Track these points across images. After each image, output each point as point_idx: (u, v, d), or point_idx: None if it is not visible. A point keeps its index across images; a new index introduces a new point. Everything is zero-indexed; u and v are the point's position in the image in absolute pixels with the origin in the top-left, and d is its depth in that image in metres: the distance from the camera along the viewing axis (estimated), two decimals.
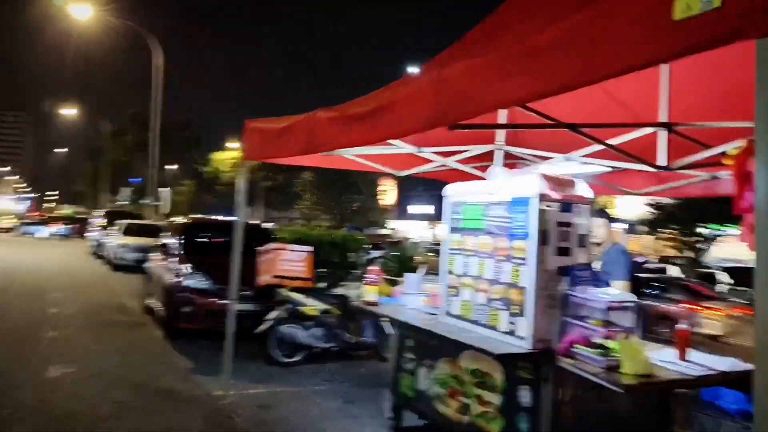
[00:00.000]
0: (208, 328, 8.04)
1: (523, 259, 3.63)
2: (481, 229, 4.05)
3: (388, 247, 10.61)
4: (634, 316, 3.41)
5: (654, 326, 8.95)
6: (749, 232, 3.31)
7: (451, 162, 5.50)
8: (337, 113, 4.04)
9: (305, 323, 7.48)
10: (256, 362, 7.33)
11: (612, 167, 4.89)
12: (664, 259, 29.79)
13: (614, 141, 4.18)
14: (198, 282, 8.38)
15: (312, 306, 7.56)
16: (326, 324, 7.56)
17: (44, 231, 41.02)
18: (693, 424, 3.99)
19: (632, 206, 25.66)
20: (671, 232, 24.16)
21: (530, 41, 2.47)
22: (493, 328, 3.84)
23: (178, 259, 8.99)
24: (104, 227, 24.02)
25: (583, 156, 4.81)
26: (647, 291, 11.81)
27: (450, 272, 4.34)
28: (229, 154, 54.79)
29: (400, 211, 56.81)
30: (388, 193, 50.13)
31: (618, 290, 4.52)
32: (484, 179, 5.24)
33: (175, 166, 56.56)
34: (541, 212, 3.58)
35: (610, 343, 3.25)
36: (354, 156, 5.73)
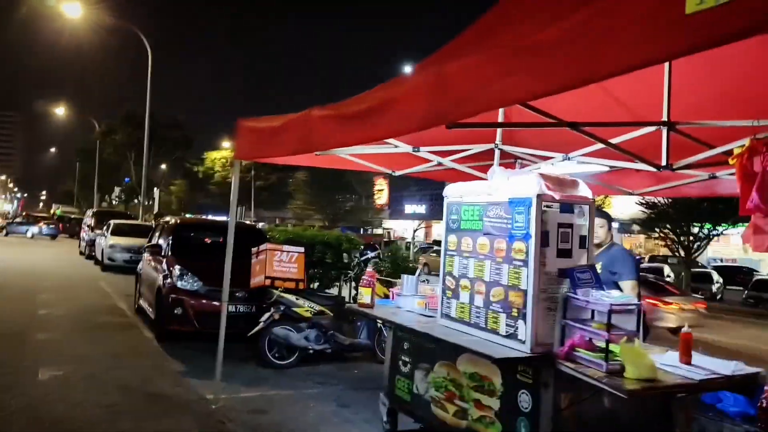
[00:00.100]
0: (199, 330, 7.99)
1: (522, 260, 3.56)
2: (480, 230, 3.97)
3: (382, 248, 10.51)
4: (637, 319, 3.34)
5: None
6: (754, 233, 3.26)
7: (448, 162, 5.42)
8: (333, 111, 3.96)
9: (298, 325, 7.39)
10: (248, 364, 7.25)
11: (612, 167, 4.84)
12: (653, 258, 29.89)
13: (614, 140, 4.11)
14: (189, 283, 8.28)
15: (305, 307, 7.48)
16: (320, 325, 7.47)
17: (30, 230, 40.63)
18: (694, 428, 3.94)
19: (625, 206, 25.73)
20: (664, 231, 24.21)
21: (534, 37, 2.39)
22: (492, 331, 3.76)
23: (169, 260, 8.87)
24: (93, 227, 23.84)
25: (583, 155, 4.75)
26: None
27: (448, 274, 4.26)
28: (221, 154, 54.63)
29: (392, 210, 56.80)
30: (384, 193, 50.19)
31: (629, 290, 4.55)
32: (481, 179, 5.17)
33: (164, 166, 56.31)
34: (542, 213, 3.50)
35: (612, 347, 3.18)
36: (349, 155, 5.65)
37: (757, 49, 3.10)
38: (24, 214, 57.87)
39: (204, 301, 8.10)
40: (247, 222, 29.43)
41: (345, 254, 10.10)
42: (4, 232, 42.02)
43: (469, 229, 4.08)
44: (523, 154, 5.47)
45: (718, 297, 25.49)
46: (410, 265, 11.21)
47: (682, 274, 23.54)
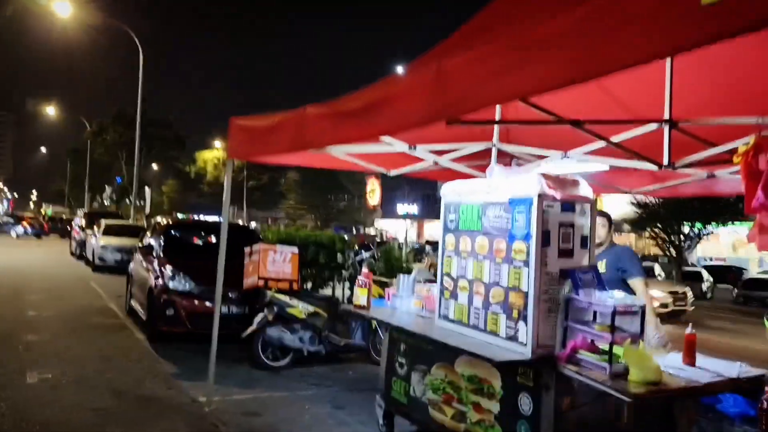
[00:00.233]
0: (192, 331, 7.89)
1: (523, 261, 3.48)
2: (479, 229, 3.89)
3: (375, 248, 10.43)
4: (641, 321, 3.27)
5: None
6: (760, 232, 3.19)
7: (444, 161, 5.34)
8: (329, 109, 3.87)
9: (292, 326, 7.30)
10: (241, 366, 7.15)
11: (612, 165, 4.77)
12: (644, 258, 30.00)
13: (615, 138, 4.05)
14: (182, 284, 8.18)
15: (299, 308, 7.38)
16: (314, 326, 7.38)
17: (14, 230, 40.31)
18: (695, 430, 3.88)
19: (616, 205, 25.77)
20: (654, 230, 24.29)
21: (540, 29, 2.32)
22: (492, 333, 3.68)
23: (161, 260, 8.76)
24: (84, 227, 23.68)
25: (582, 154, 4.68)
26: None
27: (446, 274, 4.18)
28: (213, 154, 54.47)
29: (384, 211, 56.73)
30: (376, 193, 50.18)
31: (642, 289, 4.57)
32: (477, 178, 5.10)
33: (155, 167, 56.06)
34: (543, 212, 3.43)
35: (616, 349, 3.11)
36: (344, 155, 5.56)
37: (761, 45, 3.04)
38: (11, 213, 57.45)
39: (196, 301, 8.00)
40: (240, 222, 29.32)
41: (339, 254, 10.01)
42: None
43: (468, 229, 4.01)
44: (520, 153, 5.39)
45: (708, 296, 25.58)
46: (404, 265, 11.13)
47: (673, 272, 23.61)
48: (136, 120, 27.19)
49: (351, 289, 9.40)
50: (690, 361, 3.37)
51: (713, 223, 22.81)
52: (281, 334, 7.23)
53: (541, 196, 3.44)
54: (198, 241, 10.52)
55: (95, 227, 20.60)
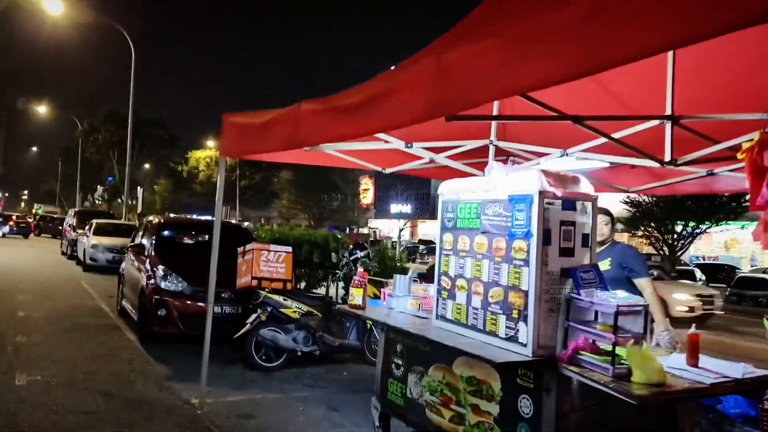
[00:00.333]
0: (184, 331, 7.81)
1: (523, 260, 3.41)
2: (478, 228, 3.81)
3: (369, 247, 10.34)
4: (644, 321, 3.20)
5: None
6: (765, 230, 3.13)
7: (441, 158, 5.26)
8: (324, 105, 3.79)
9: (286, 326, 7.22)
10: (235, 367, 7.07)
11: (612, 162, 4.71)
12: None
13: (616, 135, 3.99)
14: (174, 284, 8.08)
15: (293, 308, 7.30)
16: (308, 326, 7.30)
17: (4, 229, 39.93)
18: (697, 431, 3.83)
19: (609, 204, 25.78)
20: (648, 229, 24.31)
21: (545, 21, 2.24)
22: (491, 333, 3.60)
23: (153, 260, 8.65)
24: (76, 227, 23.51)
25: (581, 151, 4.62)
26: None
27: (443, 274, 4.10)
28: (205, 153, 54.26)
29: (378, 210, 56.66)
30: (369, 192, 50.10)
31: (650, 288, 4.57)
32: (474, 176, 5.03)
33: (147, 166, 55.76)
34: (543, 210, 3.36)
35: (618, 350, 3.04)
36: (338, 152, 5.48)
37: (764, 40, 2.98)
38: (0, 213, 57.01)
39: (189, 302, 7.92)
40: (233, 221, 29.16)
41: (333, 254, 9.93)
42: None
43: (466, 228, 3.93)
44: (518, 150, 5.32)
45: None
46: (399, 264, 11.06)
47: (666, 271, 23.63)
48: (128, 119, 26.99)
49: (345, 288, 9.32)
50: (693, 361, 3.30)
51: (707, 222, 22.84)
52: (275, 335, 7.14)
53: (542, 193, 3.36)
54: (190, 241, 10.42)
55: (86, 227, 20.46)
